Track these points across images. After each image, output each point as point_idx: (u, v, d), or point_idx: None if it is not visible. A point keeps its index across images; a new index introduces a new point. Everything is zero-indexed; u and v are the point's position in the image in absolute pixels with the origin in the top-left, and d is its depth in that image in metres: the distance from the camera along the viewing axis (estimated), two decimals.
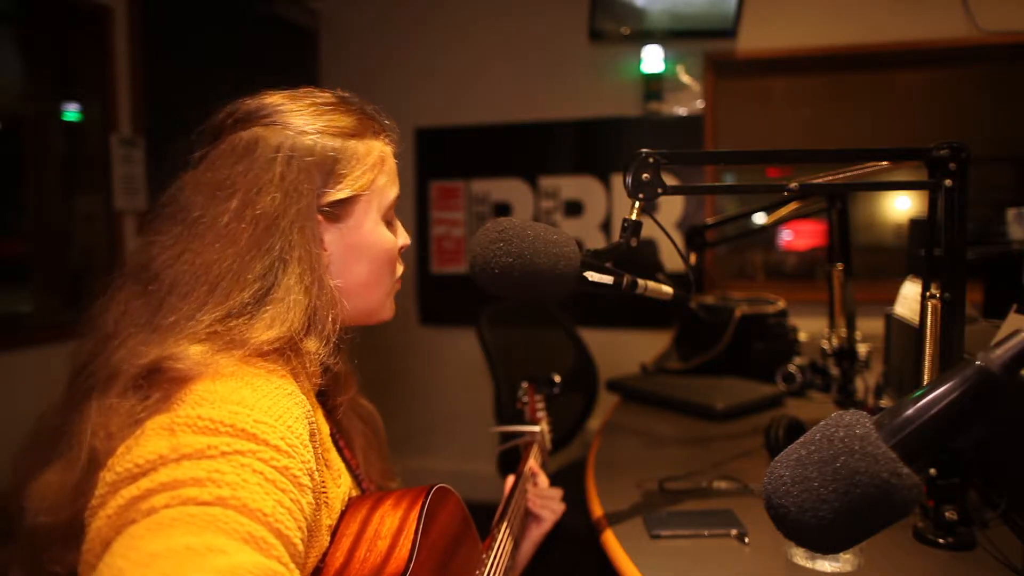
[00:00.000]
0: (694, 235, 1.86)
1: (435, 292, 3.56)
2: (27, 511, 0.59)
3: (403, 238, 0.80)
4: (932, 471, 0.88)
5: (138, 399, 0.56)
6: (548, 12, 3.31)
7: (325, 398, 0.80)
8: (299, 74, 3.48)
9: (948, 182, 0.85)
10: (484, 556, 0.83)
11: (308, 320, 0.66)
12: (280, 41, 3.42)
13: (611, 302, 3.21)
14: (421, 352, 3.58)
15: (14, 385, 2.06)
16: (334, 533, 0.67)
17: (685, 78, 3.20)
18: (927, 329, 0.88)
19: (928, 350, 0.87)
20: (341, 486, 0.72)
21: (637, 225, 0.87)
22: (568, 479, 1.19)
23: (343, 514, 0.69)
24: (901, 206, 3.24)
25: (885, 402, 1.53)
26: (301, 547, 0.53)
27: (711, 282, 3.20)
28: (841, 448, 0.46)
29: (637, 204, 0.87)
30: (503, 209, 3.43)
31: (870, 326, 1.80)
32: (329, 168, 0.70)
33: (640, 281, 0.91)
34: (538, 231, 0.80)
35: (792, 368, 1.78)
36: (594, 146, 3.34)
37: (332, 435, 0.77)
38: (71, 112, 2.46)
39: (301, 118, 0.70)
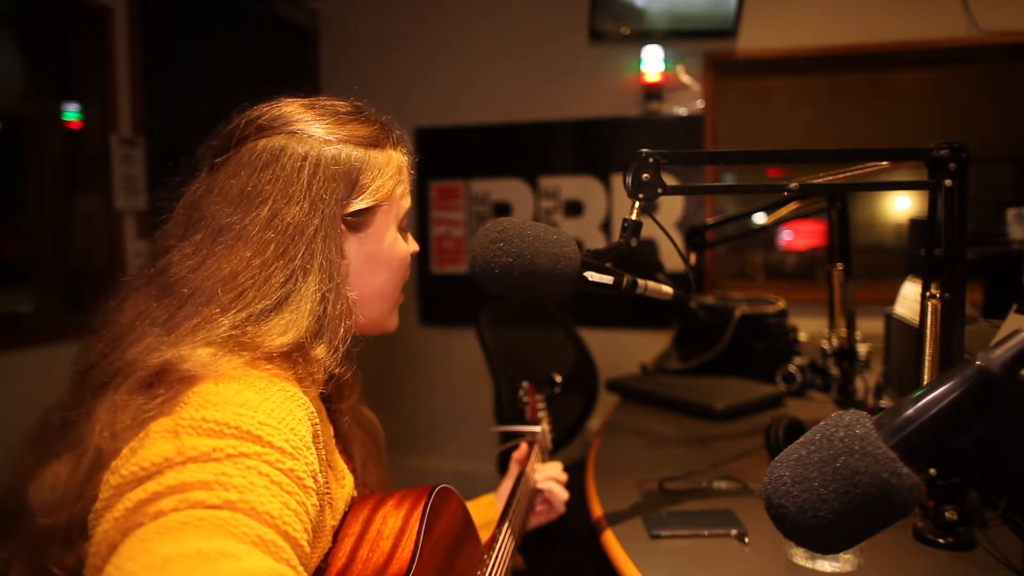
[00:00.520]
0: (694, 235, 1.86)
1: (435, 292, 3.56)
2: (29, 509, 0.58)
3: (412, 246, 0.81)
4: (932, 471, 0.88)
5: (145, 398, 0.56)
6: (548, 12, 3.31)
7: (327, 402, 0.80)
8: (299, 74, 3.48)
9: (948, 182, 0.85)
10: (485, 556, 0.83)
11: (320, 327, 0.66)
12: (280, 41, 3.42)
13: (611, 302, 3.21)
14: (421, 352, 3.58)
15: (14, 385, 2.06)
16: (336, 533, 0.67)
17: (685, 78, 3.20)
18: (927, 329, 0.88)
19: (928, 350, 0.88)
20: (345, 487, 0.72)
21: (637, 225, 0.87)
22: (569, 479, 1.19)
23: (345, 514, 0.69)
24: (901, 206, 3.24)
25: (885, 402, 1.53)
26: (308, 548, 0.53)
27: (711, 282, 3.20)
28: (841, 448, 0.46)
29: (637, 204, 0.87)
30: (503, 209, 3.43)
31: (870, 326, 1.80)
32: (353, 178, 0.70)
33: (640, 281, 0.91)
34: (538, 231, 0.80)
35: (792, 368, 1.78)
36: (594, 146, 3.34)
37: (334, 437, 0.77)
38: (71, 112, 2.47)
39: (324, 127, 0.70)
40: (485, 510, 1.05)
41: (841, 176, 0.97)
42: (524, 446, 1.14)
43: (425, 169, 3.54)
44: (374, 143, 0.73)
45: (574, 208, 3.36)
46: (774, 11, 3.06)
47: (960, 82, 3.12)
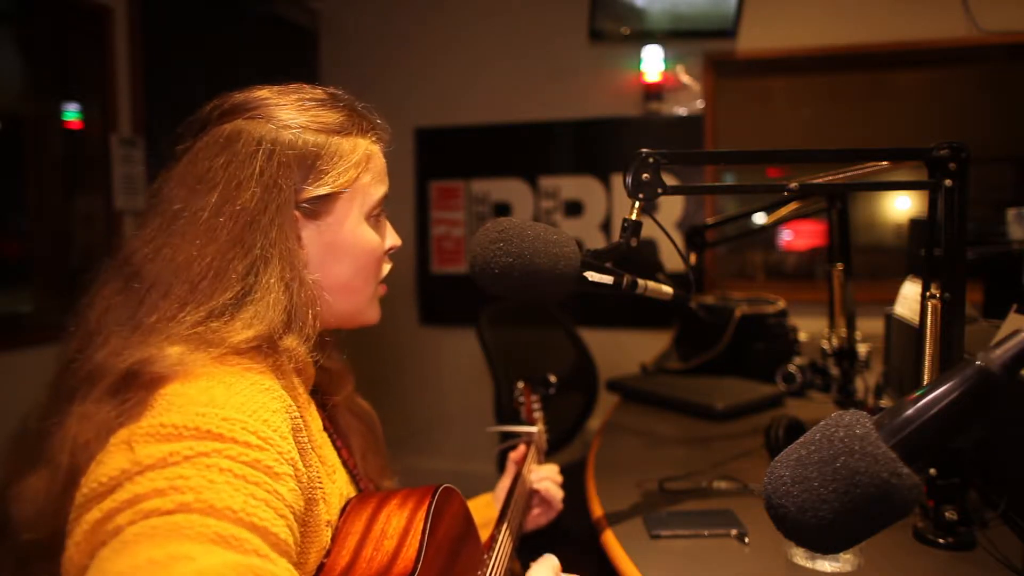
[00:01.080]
0: (694, 235, 1.86)
1: (435, 292, 3.56)
2: (12, 522, 0.58)
3: (392, 239, 0.79)
4: (932, 471, 0.87)
5: (113, 405, 0.55)
6: (548, 12, 3.31)
7: (320, 395, 0.80)
8: (299, 74, 3.43)
9: (948, 182, 0.85)
10: (485, 556, 0.83)
11: (288, 318, 0.65)
12: (280, 41, 3.42)
13: (611, 302, 3.21)
14: (421, 352, 3.58)
15: (14, 385, 2.05)
16: (337, 531, 0.67)
17: (685, 78, 3.20)
18: (927, 329, 0.88)
19: (928, 350, 0.87)
20: (336, 481, 0.72)
21: (637, 225, 0.87)
22: (568, 479, 1.19)
23: (345, 512, 0.69)
24: (901, 206, 3.24)
25: (885, 402, 1.53)
26: (285, 535, 0.51)
27: (711, 282, 3.20)
28: (841, 448, 0.46)
29: (637, 204, 0.87)
30: (503, 209, 3.43)
31: (870, 326, 1.80)
32: (310, 164, 0.68)
33: (640, 281, 0.91)
34: (538, 231, 0.80)
35: (792, 368, 1.78)
36: (594, 146, 3.34)
37: (326, 431, 0.76)
38: (71, 112, 2.47)
39: (286, 112, 0.69)
40: (483, 510, 1.06)
41: (841, 176, 0.97)
42: (522, 447, 1.14)
43: (425, 169, 3.54)
44: (338, 130, 0.71)
45: (574, 208, 3.36)
46: (774, 11, 3.06)
47: (960, 82, 3.12)
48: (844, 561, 0.85)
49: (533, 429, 1.20)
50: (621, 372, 2.00)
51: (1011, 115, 3.02)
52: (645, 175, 0.86)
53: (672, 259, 3.00)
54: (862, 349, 1.63)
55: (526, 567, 0.72)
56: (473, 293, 0.97)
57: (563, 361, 2.48)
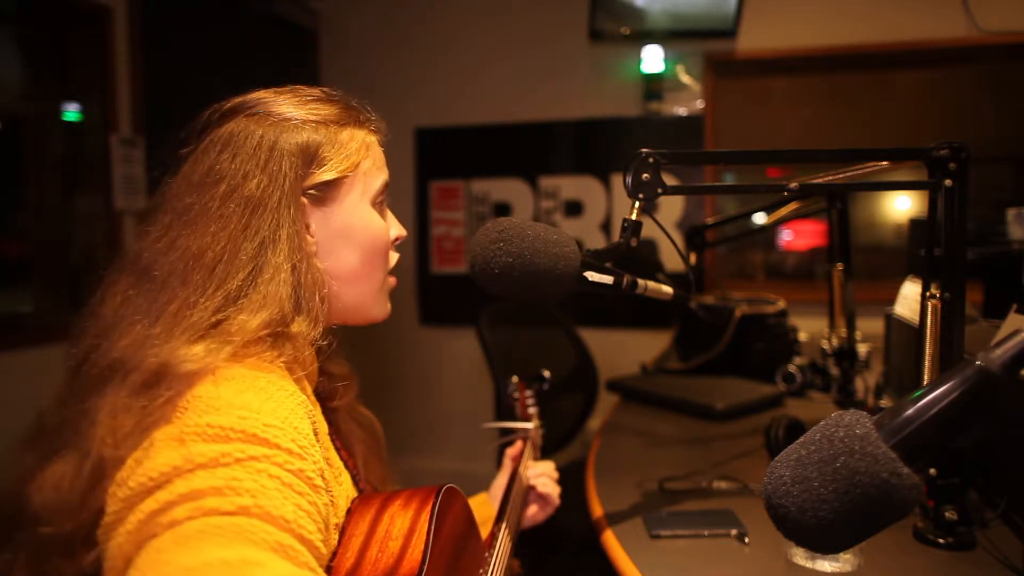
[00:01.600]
0: (694, 235, 1.86)
1: (435, 292, 3.56)
2: (32, 513, 0.58)
3: (397, 229, 0.80)
4: (932, 471, 0.88)
5: (145, 400, 0.56)
6: (548, 12, 3.31)
7: (323, 399, 0.80)
8: (299, 74, 3.48)
9: (948, 182, 0.85)
10: (487, 555, 0.83)
11: (296, 298, 0.66)
12: (280, 41, 3.42)
13: (611, 302, 3.21)
14: (421, 352, 3.58)
15: (14, 385, 2.06)
16: (341, 533, 0.67)
17: (685, 78, 3.20)
18: (927, 329, 0.88)
19: (928, 350, 0.87)
20: (343, 484, 0.72)
21: (637, 225, 0.87)
22: (568, 479, 1.19)
23: (350, 513, 0.69)
24: (901, 206, 3.24)
25: (885, 402, 1.53)
26: (323, 549, 0.52)
27: (711, 282, 3.20)
28: (841, 448, 0.46)
29: (637, 204, 0.87)
30: (503, 209, 3.43)
31: (870, 326, 1.80)
32: (313, 152, 0.70)
33: (640, 281, 0.91)
34: (538, 231, 0.80)
35: (792, 368, 1.78)
36: (594, 146, 3.34)
37: (329, 435, 0.77)
38: (71, 112, 2.47)
39: (285, 107, 0.70)
40: (479, 508, 1.06)
41: (841, 176, 0.97)
42: (519, 443, 1.15)
43: (425, 169, 3.54)
44: (336, 121, 0.73)
45: (574, 208, 3.36)
46: (774, 11, 3.06)
47: (960, 82, 3.12)
48: (844, 561, 0.85)
49: (529, 425, 1.20)
50: (621, 372, 2.00)
51: (1011, 115, 3.02)
52: (645, 175, 0.86)
53: (672, 259, 3.00)
54: (862, 349, 1.63)
55: (524, 565, 0.73)
56: (473, 293, 0.97)
57: (563, 361, 2.48)
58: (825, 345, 1.69)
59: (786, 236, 3.36)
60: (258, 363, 0.62)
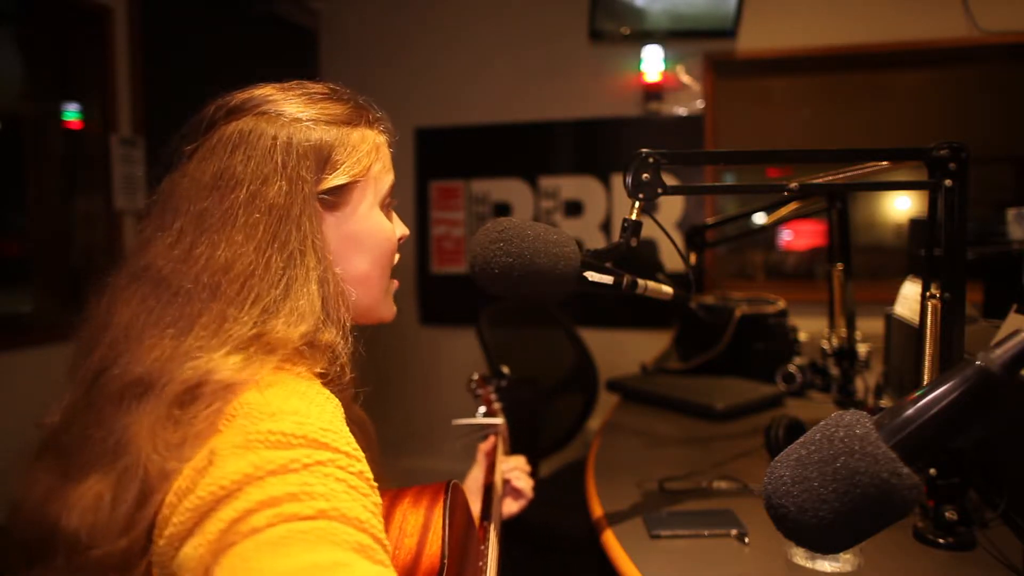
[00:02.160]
0: (694, 235, 1.86)
1: (435, 292, 3.56)
2: (66, 537, 0.55)
3: (401, 229, 0.80)
4: (932, 471, 0.88)
5: (186, 413, 0.54)
6: (548, 12, 3.31)
7: None
8: (299, 74, 3.45)
9: (948, 182, 0.85)
10: (483, 548, 0.83)
11: (327, 309, 0.66)
12: (280, 41, 3.42)
13: (611, 302, 3.21)
14: (421, 352, 3.58)
15: (14, 385, 2.06)
16: None
17: (685, 78, 3.20)
18: (927, 329, 0.88)
19: (928, 350, 0.87)
20: None
21: (637, 225, 0.87)
22: (568, 479, 1.19)
23: None
24: (901, 206, 3.24)
25: (885, 402, 1.53)
26: (391, 548, 0.53)
27: (711, 282, 3.20)
28: (841, 448, 0.46)
29: (637, 204, 0.87)
30: (503, 209, 3.43)
31: (870, 326, 1.80)
32: (326, 155, 0.69)
33: (640, 281, 0.91)
34: (538, 231, 0.80)
35: (792, 368, 1.78)
36: (594, 146, 3.34)
37: None
38: (71, 112, 2.47)
39: (294, 106, 0.69)
40: None
41: (841, 176, 0.97)
42: (492, 438, 1.16)
43: (425, 169, 3.54)
44: (347, 121, 0.71)
45: (574, 208, 3.36)
46: (774, 11, 3.06)
47: (960, 82, 3.12)
48: (844, 561, 0.85)
49: (498, 421, 1.22)
50: (621, 372, 2.00)
51: (1011, 115, 3.02)
52: (645, 175, 0.86)
53: (672, 259, 3.00)
54: (862, 349, 1.63)
55: (527, 571, 0.73)
56: (473, 293, 0.97)
57: (563, 361, 2.48)
58: (825, 345, 1.69)
59: (786, 236, 3.36)
60: (295, 369, 0.61)
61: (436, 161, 3.53)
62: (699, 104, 3.20)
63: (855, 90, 3.21)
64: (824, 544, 0.48)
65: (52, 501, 0.56)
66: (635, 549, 0.94)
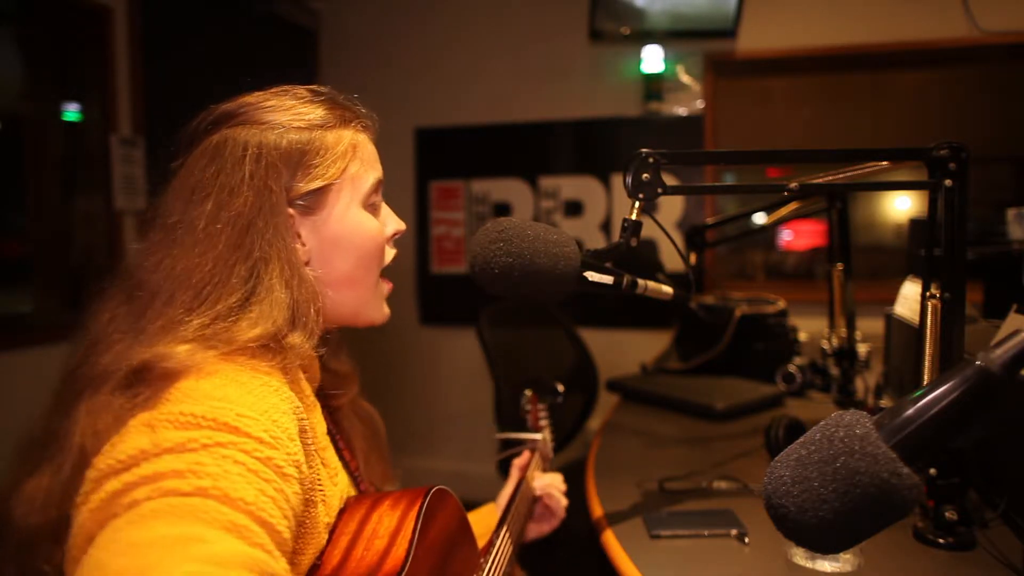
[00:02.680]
0: (694, 235, 1.86)
1: (435, 292, 3.56)
2: (15, 513, 0.59)
3: (394, 224, 0.80)
4: (932, 471, 0.88)
5: (126, 398, 0.57)
6: (548, 12, 3.31)
7: (325, 397, 0.80)
8: (299, 74, 3.48)
9: (948, 182, 0.85)
10: (482, 560, 0.82)
11: (292, 315, 0.66)
12: (280, 41, 3.42)
13: (611, 302, 3.21)
14: (421, 352, 3.58)
15: (14, 385, 2.06)
16: (332, 531, 0.67)
17: (685, 78, 3.20)
18: (927, 329, 0.88)
19: (928, 350, 0.87)
20: (338, 484, 0.72)
21: (637, 225, 0.87)
22: (568, 479, 1.19)
23: (341, 513, 0.69)
24: (901, 206, 3.24)
25: (885, 402, 1.53)
26: (287, 535, 0.53)
27: (711, 282, 3.20)
28: (841, 448, 0.46)
29: (637, 204, 0.87)
30: (503, 209, 3.43)
31: (870, 326, 1.80)
32: (296, 161, 0.70)
33: (640, 281, 0.91)
34: (538, 231, 0.80)
35: (792, 368, 1.78)
36: (594, 146, 3.34)
37: (330, 433, 0.77)
38: (71, 112, 2.47)
39: (268, 114, 0.70)
40: (485, 517, 1.05)
41: (841, 176, 0.97)
42: (526, 453, 1.15)
43: (425, 169, 3.54)
44: (321, 124, 0.72)
45: (574, 208, 3.36)
46: (774, 11, 3.06)
47: (960, 82, 3.12)
48: (844, 561, 0.85)
49: (538, 436, 1.20)
50: (621, 372, 2.00)
51: (1011, 115, 3.02)
52: (645, 175, 0.86)
53: (672, 259, 3.00)
54: (862, 349, 1.63)
55: (528, 570, 0.73)
56: (473, 293, 0.97)
57: (563, 361, 2.48)
58: (825, 345, 1.69)
59: (786, 236, 3.36)
60: (250, 363, 0.62)
61: (436, 161, 3.53)
62: (699, 104, 3.20)
63: (855, 90, 3.21)
64: (824, 544, 0.48)
65: (11, 496, 0.60)
66: (635, 549, 0.94)
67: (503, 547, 0.89)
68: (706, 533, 0.97)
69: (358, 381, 0.87)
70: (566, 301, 2.91)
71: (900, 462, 0.45)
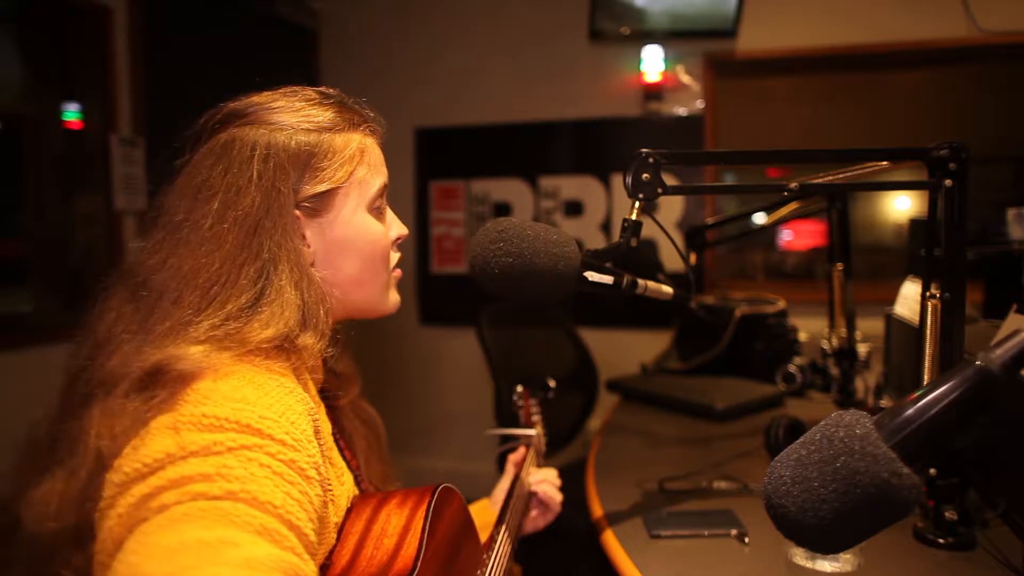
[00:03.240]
0: (694, 235, 1.86)
1: (435, 292, 3.56)
2: (28, 519, 0.58)
3: (398, 229, 0.80)
4: (932, 471, 0.88)
5: (142, 400, 0.56)
6: (548, 12, 3.31)
7: (327, 398, 0.80)
8: (299, 74, 3.44)
9: (948, 182, 0.85)
10: (485, 556, 0.83)
11: (303, 317, 0.66)
12: (280, 41, 3.42)
13: (611, 302, 3.21)
14: (421, 352, 3.58)
15: (14, 385, 2.06)
16: (340, 530, 0.67)
17: (685, 78, 3.20)
18: (927, 329, 0.88)
19: (928, 350, 0.88)
20: (345, 484, 0.73)
21: (637, 225, 0.87)
22: (568, 479, 1.19)
23: (348, 512, 0.69)
24: (901, 206, 3.24)
25: (885, 402, 1.53)
26: (314, 537, 0.53)
27: (711, 282, 3.20)
28: (841, 448, 0.46)
29: (637, 204, 0.87)
30: (503, 209, 3.43)
31: (870, 326, 1.80)
32: (304, 163, 0.69)
33: (640, 281, 0.91)
34: (538, 231, 0.80)
35: (792, 368, 1.78)
36: (594, 146, 3.34)
37: (333, 434, 0.77)
38: (71, 112, 2.47)
39: (277, 115, 0.70)
40: (480, 514, 1.05)
41: (841, 176, 0.97)
42: (521, 449, 1.15)
43: (425, 169, 3.54)
44: (330, 127, 0.72)
45: (574, 208, 3.36)
46: (774, 11, 3.06)
47: (960, 82, 3.11)
48: (844, 561, 0.85)
49: (532, 432, 1.20)
50: (621, 372, 2.00)
51: (1011, 115, 3.02)
52: (645, 175, 0.86)
53: (672, 259, 3.00)
54: (862, 349, 1.64)
55: (525, 570, 0.73)
56: (473, 293, 0.97)
57: (563, 361, 2.48)
58: (825, 345, 1.69)
59: (786, 236, 3.36)
60: (265, 363, 0.62)
61: (436, 161, 3.53)
62: (699, 104, 3.20)
63: (855, 90, 3.20)
64: (824, 544, 0.48)
65: (20, 501, 0.59)
66: (635, 549, 0.94)
67: (503, 543, 0.89)
68: (706, 533, 0.97)
69: (360, 382, 0.87)
70: (566, 301, 2.91)
71: (900, 462, 0.45)
